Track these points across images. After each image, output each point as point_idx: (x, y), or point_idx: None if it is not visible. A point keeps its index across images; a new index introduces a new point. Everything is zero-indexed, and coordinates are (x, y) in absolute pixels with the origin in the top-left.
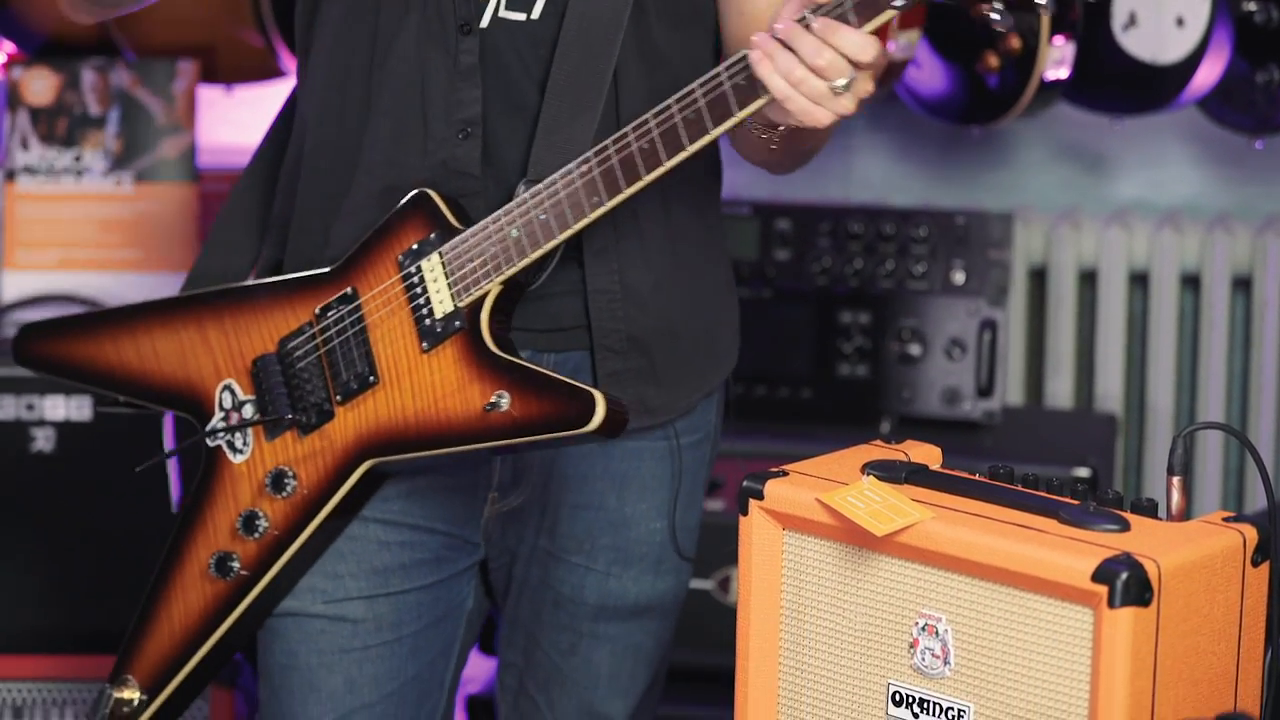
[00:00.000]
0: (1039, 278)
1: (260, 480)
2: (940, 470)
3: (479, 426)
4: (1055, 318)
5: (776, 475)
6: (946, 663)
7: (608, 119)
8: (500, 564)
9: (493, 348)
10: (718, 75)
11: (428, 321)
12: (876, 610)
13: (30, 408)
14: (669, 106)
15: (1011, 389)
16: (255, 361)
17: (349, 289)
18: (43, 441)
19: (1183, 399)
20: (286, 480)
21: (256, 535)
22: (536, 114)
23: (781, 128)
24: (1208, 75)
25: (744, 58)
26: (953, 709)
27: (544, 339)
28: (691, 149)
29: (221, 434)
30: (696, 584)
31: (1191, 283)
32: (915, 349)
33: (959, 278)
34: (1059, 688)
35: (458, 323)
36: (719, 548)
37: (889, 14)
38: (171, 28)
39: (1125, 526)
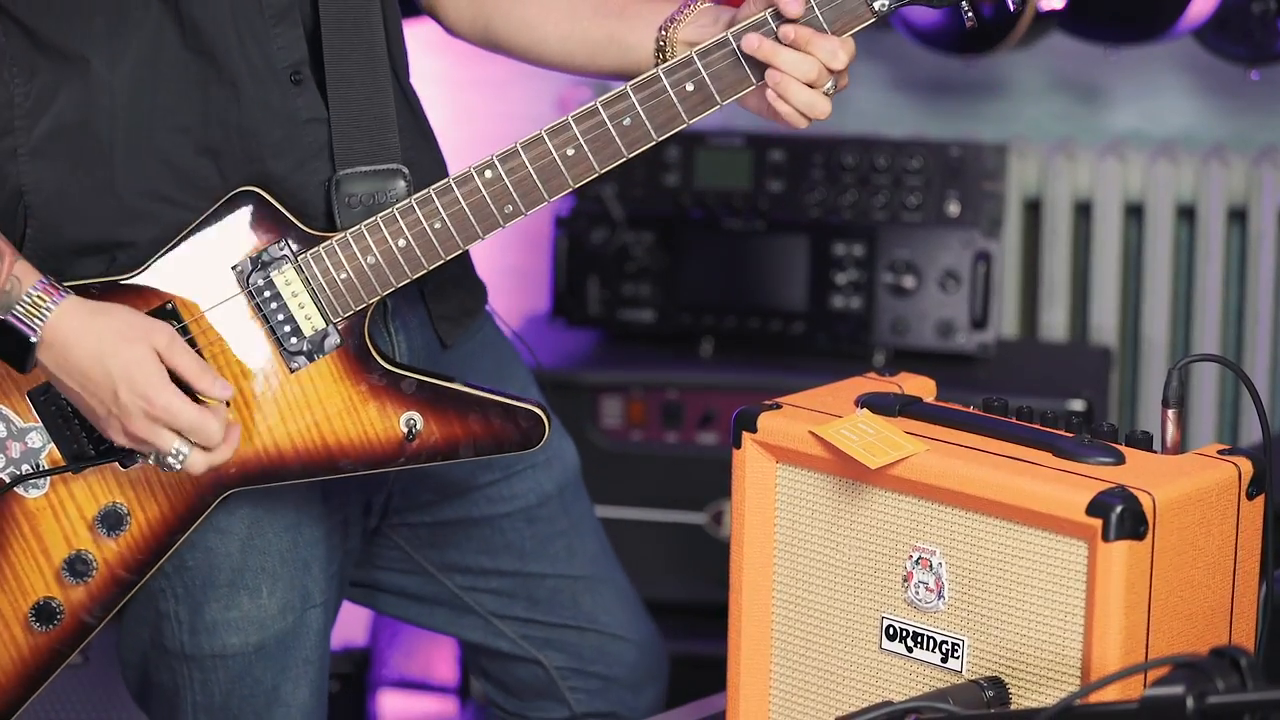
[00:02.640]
0: (1033, 209)
1: (83, 519)
2: (934, 403)
3: (392, 451)
4: (1050, 249)
5: (770, 408)
6: (940, 596)
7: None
8: (422, 520)
9: (384, 364)
10: (658, 81)
11: (294, 340)
12: (870, 544)
13: None
14: (595, 111)
15: (1006, 321)
16: (46, 384)
17: (166, 303)
18: None
19: (1178, 331)
20: (123, 519)
21: (87, 579)
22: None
23: None
24: (1203, 5)
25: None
26: (947, 642)
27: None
28: (598, 172)
29: (23, 480)
30: (689, 518)
31: (1187, 214)
32: (909, 281)
33: (953, 209)
34: (1053, 621)
35: (337, 341)
36: (712, 482)
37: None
38: None
39: (1120, 459)
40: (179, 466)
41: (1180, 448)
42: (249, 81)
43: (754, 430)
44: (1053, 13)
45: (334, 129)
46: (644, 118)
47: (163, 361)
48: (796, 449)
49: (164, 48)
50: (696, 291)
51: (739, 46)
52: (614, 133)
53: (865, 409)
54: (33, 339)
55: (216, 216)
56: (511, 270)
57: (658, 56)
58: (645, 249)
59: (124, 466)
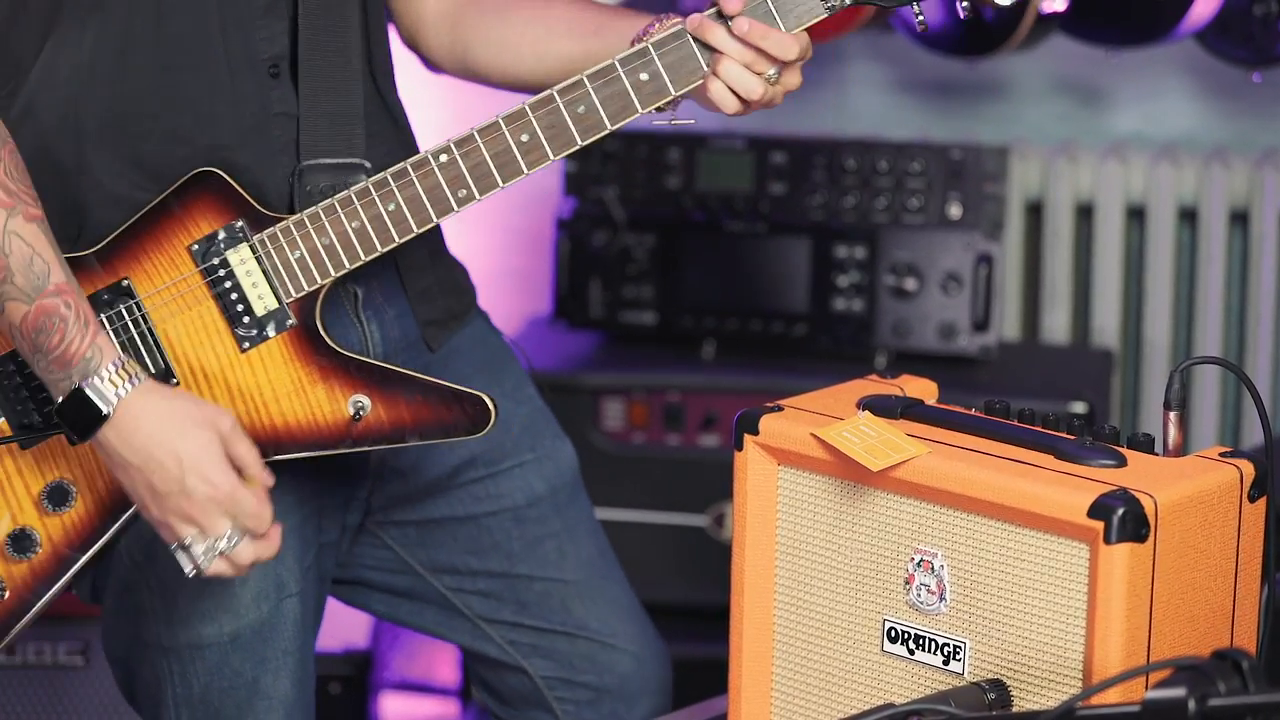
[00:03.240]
0: (1035, 211)
1: (28, 495)
2: (936, 405)
3: (338, 434)
4: (1052, 252)
5: (771, 410)
6: (942, 599)
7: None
8: (407, 518)
9: (334, 346)
10: (613, 70)
11: (246, 319)
12: (872, 546)
13: None
14: (551, 98)
15: (1008, 324)
16: None
17: (122, 279)
18: None
19: (1179, 333)
20: (68, 494)
21: (30, 555)
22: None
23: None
24: (1205, 7)
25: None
26: (948, 645)
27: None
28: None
29: None
30: (691, 520)
31: (1188, 216)
32: (911, 283)
33: (955, 212)
34: (1055, 624)
35: (289, 321)
36: (713, 484)
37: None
38: None
39: (1122, 462)
40: (226, 550)
41: (1182, 450)
42: (225, 71)
43: (755, 432)
44: (1054, 14)
45: (301, 122)
46: (598, 106)
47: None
48: (798, 451)
49: (136, 32)
50: (698, 294)
51: (688, 30)
52: (569, 120)
53: (867, 411)
54: (105, 411)
55: (176, 196)
56: (513, 272)
57: None
58: (647, 251)
59: (72, 444)
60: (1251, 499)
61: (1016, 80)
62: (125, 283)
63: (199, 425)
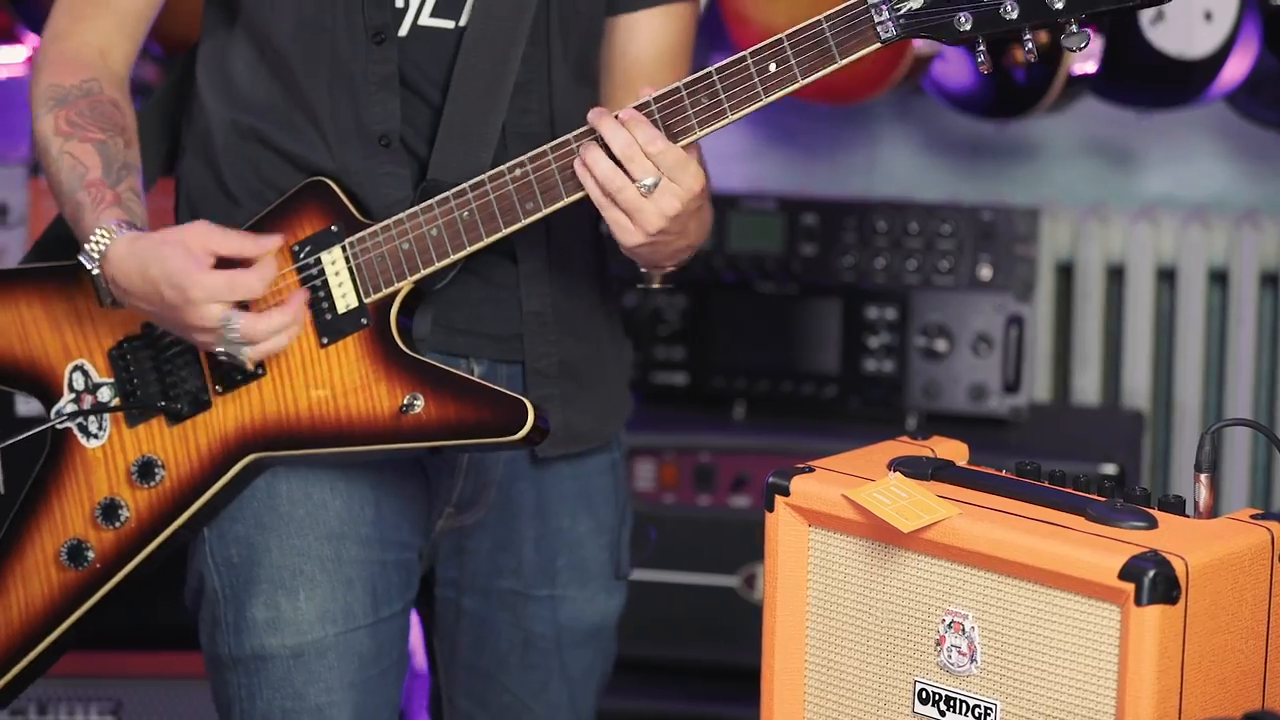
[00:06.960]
0: (1066, 273)
1: (124, 468)
2: (967, 467)
3: (389, 427)
4: (1082, 313)
5: (803, 471)
6: (973, 660)
7: (532, 118)
8: (447, 595)
9: (403, 347)
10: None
11: (328, 316)
12: (903, 607)
13: None
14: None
15: (1038, 385)
16: (120, 343)
17: None
18: None
19: (1210, 395)
20: (155, 470)
21: (117, 525)
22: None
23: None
24: (1236, 69)
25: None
26: (979, 706)
27: (477, 344)
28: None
29: (74, 417)
30: (721, 581)
31: (1219, 278)
32: (941, 345)
33: (985, 273)
34: (1086, 685)
35: (364, 320)
36: (744, 544)
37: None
38: (196, 21)
39: (1152, 524)
40: (237, 334)
41: (1213, 512)
42: (335, 138)
43: (787, 493)
44: (1085, 77)
45: (437, 141)
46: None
47: (208, 252)
48: (829, 512)
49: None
50: (729, 354)
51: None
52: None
53: (898, 472)
54: (93, 270)
55: (291, 201)
56: None
57: None
58: (678, 312)
59: (169, 424)
60: None
61: (1047, 142)
62: None
63: (163, 244)
